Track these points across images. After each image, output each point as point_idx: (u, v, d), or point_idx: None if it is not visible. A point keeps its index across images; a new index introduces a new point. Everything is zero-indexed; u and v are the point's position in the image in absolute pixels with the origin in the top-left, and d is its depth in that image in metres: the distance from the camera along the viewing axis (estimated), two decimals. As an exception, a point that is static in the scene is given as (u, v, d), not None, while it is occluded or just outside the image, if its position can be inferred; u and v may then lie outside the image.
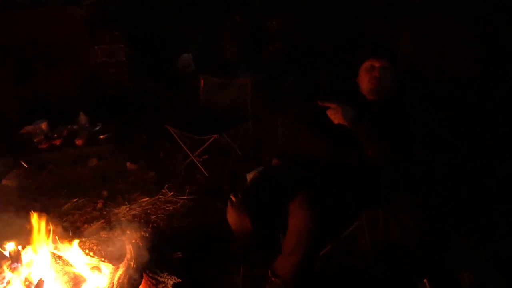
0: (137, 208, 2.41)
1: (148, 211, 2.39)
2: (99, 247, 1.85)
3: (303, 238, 1.60)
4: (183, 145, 2.71)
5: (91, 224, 2.24)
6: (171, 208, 2.40)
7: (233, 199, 1.72)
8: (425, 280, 1.66)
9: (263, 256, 1.92)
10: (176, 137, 2.69)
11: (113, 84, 3.97)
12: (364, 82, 1.79)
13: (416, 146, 1.70)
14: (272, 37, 5.17)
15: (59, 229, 1.87)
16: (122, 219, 2.32)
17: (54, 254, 1.67)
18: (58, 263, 1.65)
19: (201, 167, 2.71)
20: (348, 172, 1.75)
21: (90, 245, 1.86)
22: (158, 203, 2.45)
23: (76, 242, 1.78)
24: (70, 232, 1.99)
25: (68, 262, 1.67)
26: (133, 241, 1.97)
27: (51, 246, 1.76)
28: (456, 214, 2.29)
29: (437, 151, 2.86)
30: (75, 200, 2.50)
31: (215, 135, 2.58)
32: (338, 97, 1.86)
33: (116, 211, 2.40)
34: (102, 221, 2.28)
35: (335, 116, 1.68)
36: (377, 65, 1.75)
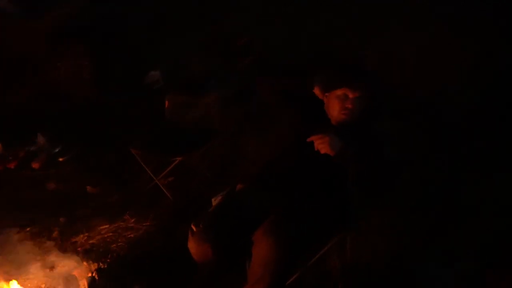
0: (96, 236, 2.28)
1: (108, 239, 2.26)
2: (48, 285, 1.72)
3: (268, 266, 1.53)
4: (146, 168, 2.60)
5: (45, 256, 2.08)
6: (132, 235, 2.28)
7: (194, 228, 1.63)
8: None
9: (229, 286, 1.83)
10: (139, 160, 2.58)
11: (76, 102, 3.81)
12: (335, 110, 1.73)
13: (394, 174, 1.68)
14: (243, 52, 5.14)
15: (5, 264, 1.72)
16: (79, 249, 2.18)
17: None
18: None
19: (165, 191, 2.60)
20: (319, 195, 1.70)
21: (38, 283, 1.72)
22: (119, 230, 2.32)
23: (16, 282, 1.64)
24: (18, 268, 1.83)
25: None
26: (89, 274, 1.85)
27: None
28: (425, 232, 2.27)
29: (406, 168, 2.86)
30: (28, 229, 2.34)
31: (180, 157, 2.49)
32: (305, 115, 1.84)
33: (73, 240, 2.26)
34: (56, 252, 2.13)
35: (322, 146, 1.62)
36: (351, 95, 1.70)
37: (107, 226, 2.35)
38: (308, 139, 1.65)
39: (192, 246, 1.62)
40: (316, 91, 1.84)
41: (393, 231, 2.24)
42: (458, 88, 3.85)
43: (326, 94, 1.79)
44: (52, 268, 1.84)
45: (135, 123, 3.45)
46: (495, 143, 3.20)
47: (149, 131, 2.83)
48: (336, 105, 1.72)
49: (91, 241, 2.24)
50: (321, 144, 1.63)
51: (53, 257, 2.08)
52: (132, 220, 2.40)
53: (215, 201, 1.92)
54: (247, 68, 4.99)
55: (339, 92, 1.71)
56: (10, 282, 1.60)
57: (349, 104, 1.69)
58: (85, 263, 1.96)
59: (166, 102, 2.81)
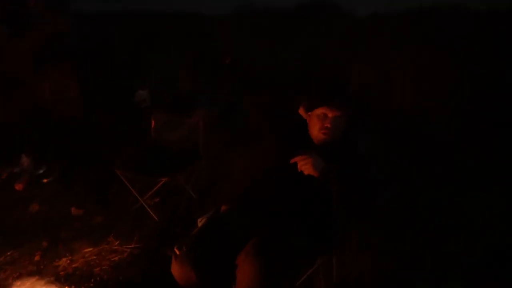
0: (80, 260, 2.22)
1: (91, 262, 2.21)
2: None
3: (253, 291, 1.50)
4: (132, 189, 2.57)
5: (25, 281, 2.03)
6: (116, 258, 2.23)
7: (177, 252, 1.61)
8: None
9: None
10: (125, 181, 2.55)
11: (61, 122, 3.78)
12: (315, 129, 1.75)
13: (379, 194, 1.69)
14: (231, 70, 5.18)
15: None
16: (62, 273, 2.12)
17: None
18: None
19: (151, 212, 2.57)
20: (300, 215, 1.70)
21: (18, 310, 1.67)
22: (103, 253, 2.28)
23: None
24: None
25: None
26: (71, 300, 1.80)
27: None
28: (411, 249, 2.28)
29: (391, 184, 2.88)
30: (9, 252, 2.28)
31: (166, 178, 2.47)
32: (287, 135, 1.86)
33: (55, 263, 2.20)
34: (37, 277, 2.08)
35: (306, 167, 1.62)
36: (330, 115, 1.72)
37: (90, 249, 2.31)
38: (292, 160, 1.66)
39: (175, 269, 1.59)
40: (301, 111, 1.86)
41: (380, 250, 2.23)
42: (441, 106, 3.93)
43: (309, 113, 1.81)
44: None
45: (121, 143, 3.43)
46: (482, 158, 3.26)
47: (134, 151, 2.82)
48: (316, 124, 1.75)
49: (74, 265, 2.18)
50: (304, 165, 1.63)
51: (34, 282, 2.03)
52: (117, 243, 2.36)
53: (200, 222, 1.90)
54: (232, 87, 5.03)
55: (318, 111, 1.74)
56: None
57: (328, 123, 1.71)
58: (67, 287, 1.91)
59: (153, 122, 2.80)
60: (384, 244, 2.30)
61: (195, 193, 2.76)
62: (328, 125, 1.71)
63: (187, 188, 2.69)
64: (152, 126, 2.81)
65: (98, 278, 2.09)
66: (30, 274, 2.11)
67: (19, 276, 2.09)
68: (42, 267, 2.18)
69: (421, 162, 3.30)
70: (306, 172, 1.64)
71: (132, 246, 2.33)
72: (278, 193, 1.74)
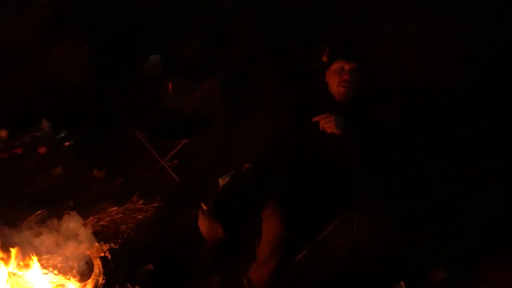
0: (106, 218, 2.32)
1: (117, 220, 2.30)
2: (63, 264, 1.76)
3: (277, 245, 1.57)
4: (152, 151, 2.62)
5: (56, 238, 2.12)
6: (141, 217, 2.32)
7: (204, 207, 1.67)
8: (402, 283, 1.66)
9: (238, 264, 1.88)
10: (145, 142, 2.60)
11: (76, 88, 3.80)
12: (333, 84, 1.78)
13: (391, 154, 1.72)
14: (239, 37, 5.11)
15: (21, 245, 1.76)
16: (90, 230, 2.22)
17: (13, 274, 1.57)
18: (19, 284, 1.55)
19: (172, 173, 2.64)
20: (322, 176, 1.74)
21: (54, 262, 1.77)
22: (127, 212, 2.37)
23: (37, 259, 1.68)
24: (32, 248, 1.87)
25: (30, 283, 1.57)
26: (101, 254, 1.89)
27: (10, 265, 1.65)
28: (424, 213, 2.33)
29: (402, 151, 2.89)
30: (38, 212, 2.38)
31: (185, 140, 2.51)
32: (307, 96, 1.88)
33: (83, 222, 2.29)
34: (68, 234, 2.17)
35: (328, 125, 1.64)
36: (346, 67, 1.74)
37: (116, 208, 2.39)
38: (313, 119, 1.68)
39: (203, 224, 1.67)
40: (325, 58, 1.87)
41: (393, 212, 2.28)
42: (452, 74, 3.87)
43: (327, 73, 1.83)
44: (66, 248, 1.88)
45: (136, 109, 3.47)
46: (491, 127, 3.23)
47: (152, 115, 2.86)
48: (334, 79, 1.77)
49: (101, 223, 2.28)
50: (327, 123, 1.66)
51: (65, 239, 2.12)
52: (140, 202, 2.44)
53: (222, 182, 1.96)
54: (244, 52, 4.98)
55: (335, 65, 1.77)
56: (31, 259, 1.64)
57: (346, 75, 1.73)
58: (96, 244, 2.00)
59: (170, 85, 2.82)
60: (397, 207, 2.35)
61: (212, 154, 2.82)
62: (347, 77, 1.73)
63: (205, 150, 2.74)
64: (169, 89, 2.83)
65: (125, 235, 2.19)
66: (61, 232, 2.20)
67: (51, 233, 2.18)
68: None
69: (430, 129, 3.28)
70: (328, 131, 1.66)
71: (156, 205, 2.41)
72: (298, 153, 1.78)
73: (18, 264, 1.65)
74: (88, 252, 1.87)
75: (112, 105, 3.64)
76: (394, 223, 2.24)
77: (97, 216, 2.34)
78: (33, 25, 3.79)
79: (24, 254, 1.70)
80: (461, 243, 2.13)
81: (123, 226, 2.25)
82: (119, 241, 2.12)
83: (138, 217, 2.32)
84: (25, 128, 3.11)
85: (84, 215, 2.33)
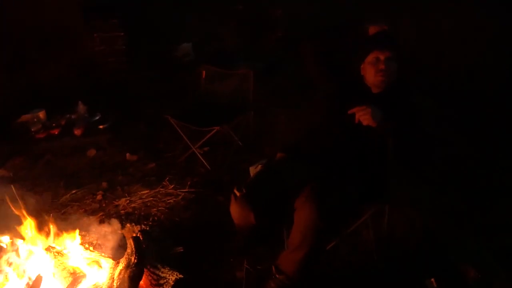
0: (137, 201, 2.37)
1: (148, 203, 2.34)
2: (99, 241, 1.82)
3: (309, 233, 1.56)
4: (184, 137, 2.65)
5: (91, 217, 2.19)
6: (172, 201, 2.35)
7: (237, 193, 1.68)
8: (432, 280, 1.63)
9: (267, 251, 1.89)
10: (177, 128, 2.64)
11: (111, 73, 3.89)
12: (371, 75, 1.76)
13: (431, 147, 1.68)
14: (273, 26, 5.08)
15: (58, 222, 1.82)
16: (122, 211, 2.28)
17: (52, 248, 1.63)
18: (57, 257, 1.61)
19: (203, 159, 2.66)
20: (355, 166, 1.72)
21: (90, 239, 1.82)
22: (158, 195, 2.41)
23: (75, 235, 1.74)
24: (69, 225, 1.93)
25: (67, 256, 1.62)
26: (134, 234, 1.93)
27: (49, 239, 1.71)
28: (461, 208, 2.26)
29: (440, 143, 2.82)
30: (73, 191, 2.46)
31: (217, 127, 2.53)
32: (344, 88, 1.85)
33: (115, 203, 2.36)
34: (101, 213, 2.24)
35: (365, 117, 1.62)
36: (382, 57, 1.72)
37: (147, 191, 2.44)
38: (350, 111, 1.66)
39: (235, 210, 1.67)
40: (372, 29, 1.84)
41: (430, 206, 2.23)
42: (489, 66, 3.72)
43: (362, 66, 1.80)
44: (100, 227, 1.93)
45: (168, 95, 3.52)
46: None
47: (185, 102, 2.88)
48: (371, 70, 1.75)
49: (132, 205, 2.33)
50: (363, 116, 1.63)
51: (99, 218, 2.19)
52: (171, 186, 2.48)
53: (254, 170, 1.96)
54: (278, 41, 4.94)
55: (370, 57, 1.75)
56: (71, 235, 1.70)
57: (382, 65, 1.71)
58: (128, 224, 2.05)
59: (203, 73, 2.83)
60: (433, 201, 2.29)
61: (243, 143, 2.82)
62: (383, 67, 1.71)
63: (236, 139, 2.74)
64: (203, 77, 2.84)
65: (155, 218, 2.23)
66: (95, 211, 2.27)
67: (85, 213, 2.25)
68: (104, 205, 2.34)
69: (468, 122, 3.18)
70: (364, 123, 1.63)
71: (186, 190, 2.44)
72: (334, 144, 1.76)
73: (57, 239, 1.70)
74: (120, 232, 1.91)
75: (147, 90, 3.71)
76: (430, 216, 2.19)
77: (129, 198, 2.39)
78: (73, 8, 3.87)
79: (62, 230, 1.75)
80: (497, 242, 2.06)
81: (153, 209, 2.29)
82: (150, 223, 2.16)
83: (169, 201, 2.36)
84: (63, 110, 3.21)
85: (116, 197, 2.41)
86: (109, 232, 1.92)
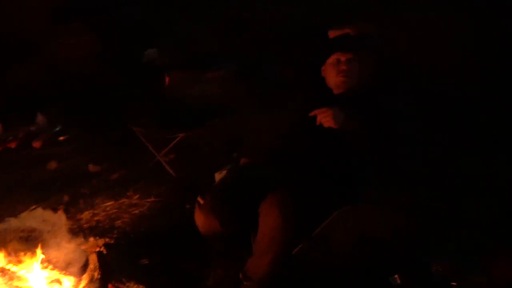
0: (101, 213, 2.30)
1: (113, 215, 2.28)
2: (60, 258, 1.74)
3: (275, 238, 1.56)
4: (148, 145, 2.60)
5: (51, 233, 2.10)
6: (137, 211, 2.30)
7: (201, 201, 1.65)
8: (396, 276, 1.65)
9: (235, 258, 1.87)
10: (141, 137, 2.58)
11: (76, 80, 3.76)
12: (332, 76, 1.77)
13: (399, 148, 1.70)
14: (248, 27, 5.05)
15: (14, 240, 1.74)
16: (85, 225, 2.20)
17: (7, 270, 1.55)
18: (13, 280, 1.53)
19: (168, 168, 2.62)
20: (322, 169, 1.72)
21: (49, 257, 1.74)
22: (123, 207, 2.35)
23: (34, 254, 1.66)
24: (28, 243, 1.85)
25: (24, 278, 1.55)
26: (97, 249, 1.87)
27: (5, 260, 1.62)
28: (433, 206, 2.31)
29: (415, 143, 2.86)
30: (33, 206, 2.35)
31: (182, 134, 2.49)
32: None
33: (78, 217, 2.28)
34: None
35: (326, 119, 1.62)
36: (343, 58, 1.73)
37: (111, 203, 2.37)
38: (311, 113, 1.66)
39: (199, 218, 1.64)
40: (332, 33, 1.84)
41: (402, 205, 2.26)
42: (463, 63, 3.82)
43: (323, 68, 1.82)
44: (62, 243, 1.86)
45: (136, 101, 3.43)
46: (502, 120, 3.19)
47: (150, 108, 2.83)
48: (332, 71, 1.76)
49: (96, 218, 2.26)
50: (324, 118, 1.64)
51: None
52: (136, 197, 2.42)
53: (219, 176, 1.94)
54: (251, 41, 4.90)
55: (331, 59, 1.76)
56: (28, 254, 1.62)
57: (343, 65, 1.72)
58: (91, 238, 1.98)
59: (167, 79, 2.79)
60: (403, 199, 2.33)
61: (210, 148, 2.80)
62: (344, 67, 1.72)
63: (204, 144, 2.71)
64: (167, 83, 2.80)
65: (120, 230, 2.17)
66: (55, 226, 2.18)
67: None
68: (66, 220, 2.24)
69: (442, 121, 3.25)
70: (325, 125, 1.64)
71: (152, 199, 2.39)
72: (298, 147, 1.76)
73: (13, 260, 1.62)
74: (83, 247, 1.84)
75: (112, 97, 3.61)
76: (399, 215, 2.22)
77: (92, 211, 2.32)
78: (37, 11, 3.71)
79: (18, 249, 1.67)
80: (465, 237, 2.12)
81: (118, 221, 2.23)
82: (115, 236, 2.10)
83: (134, 212, 2.30)
84: (21, 122, 3.08)
85: (79, 210, 2.33)
86: (71, 248, 1.84)
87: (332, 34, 1.81)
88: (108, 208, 2.34)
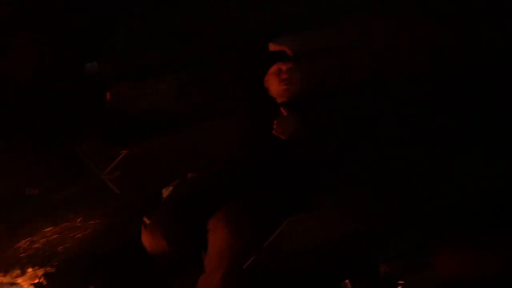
0: (41, 240, 2.15)
1: (54, 241, 2.14)
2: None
3: (224, 254, 1.55)
4: (90, 163, 2.48)
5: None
6: (80, 235, 2.18)
7: (147, 221, 1.60)
8: (347, 281, 1.69)
9: (186, 277, 1.82)
10: (82, 155, 2.46)
11: (14, 95, 3.51)
12: (274, 85, 1.80)
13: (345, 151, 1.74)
14: (196, 37, 4.99)
15: None
16: (23, 255, 2.05)
17: None
18: None
19: (113, 186, 2.51)
20: (271, 178, 1.73)
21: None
22: (65, 231, 2.21)
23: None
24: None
25: None
26: (36, 280, 1.75)
27: None
28: (379, 206, 2.37)
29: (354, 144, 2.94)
30: (-38, 239, 2.16)
31: (127, 150, 2.40)
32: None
33: (15, 246, 2.11)
34: (-3, 261, 1.99)
35: (281, 130, 1.63)
36: (284, 68, 1.76)
37: (51, 228, 2.23)
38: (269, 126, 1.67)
39: (146, 239, 1.61)
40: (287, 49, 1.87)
41: (346, 209, 2.30)
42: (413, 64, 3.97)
43: (265, 78, 1.85)
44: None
45: (77, 117, 3.27)
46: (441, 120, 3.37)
47: (91, 124, 2.70)
48: (274, 80, 1.80)
49: (35, 246, 2.11)
50: (279, 128, 1.66)
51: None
52: (79, 219, 2.29)
53: (166, 192, 1.89)
54: (195, 54, 4.86)
55: (272, 69, 1.82)
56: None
57: (284, 74, 1.75)
58: (30, 269, 1.85)
59: (108, 94, 2.68)
60: (349, 203, 2.37)
61: (156, 164, 2.72)
62: (285, 76, 1.75)
63: (149, 159, 2.63)
64: (108, 98, 2.69)
65: (62, 257, 2.04)
66: (-11, 259, 2.02)
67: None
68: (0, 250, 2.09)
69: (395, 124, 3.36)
70: (283, 137, 1.66)
71: (96, 222, 2.28)
72: (246, 156, 1.77)
73: None
74: (19, 280, 1.72)
75: (52, 113, 3.41)
76: (347, 217, 2.26)
77: (30, 238, 2.16)
78: None
79: None
80: (410, 235, 2.19)
81: (60, 247, 2.10)
82: (56, 264, 1.97)
83: (77, 236, 2.18)
84: None
85: (15, 238, 2.17)
86: (6, 282, 1.71)
87: (272, 48, 1.85)
88: (48, 234, 2.20)
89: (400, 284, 1.83)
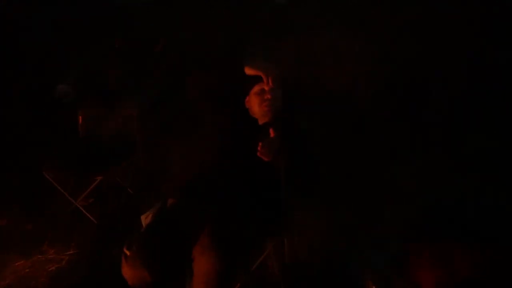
0: (10, 275, 2.02)
1: (25, 276, 2.02)
2: None
3: (210, 282, 1.49)
4: (62, 191, 2.37)
5: None
6: (53, 268, 2.06)
7: (127, 252, 1.52)
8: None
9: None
10: (53, 182, 2.35)
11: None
12: (256, 105, 1.80)
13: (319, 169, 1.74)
14: (158, 58, 4.95)
15: None
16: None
17: None
18: None
19: (88, 214, 2.41)
20: (250, 202, 1.70)
21: None
22: (37, 264, 2.09)
23: None
24: None
25: None
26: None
27: None
28: (355, 221, 2.38)
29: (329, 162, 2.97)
30: None
31: (101, 176, 2.32)
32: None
33: (-18, 283, 1.98)
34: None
35: (265, 151, 1.60)
36: (266, 87, 1.76)
37: (22, 261, 2.11)
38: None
39: (127, 271, 1.51)
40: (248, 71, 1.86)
41: (326, 226, 2.30)
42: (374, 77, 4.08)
43: (247, 99, 1.84)
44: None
45: (45, 143, 3.14)
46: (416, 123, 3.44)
47: (62, 150, 2.60)
48: (256, 100, 1.79)
49: (5, 282, 1.98)
50: (263, 149, 1.63)
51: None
52: (52, 251, 2.18)
53: (145, 219, 1.81)
54: (164, 74, 4.82)
55: (256, 88, 1.80)
56: None
57: (268, 94, 1.76)
58: (-1, 309, 1.73)
59: (80, 118, 2.60)
60: (328, 220, 2.37)
61: (133, 189, 2.64)
62: (268, 96, 1.75)
63: (124, 185, 2.55)
64: (80, 122, 2.60)
65: (35, 293, 1.92)
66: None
67: None
68: (-34, 289, 1.94)
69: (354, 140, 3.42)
70: (267, 159, 1.63)
71: (70, 252, 2.17)
72: (224, 179, 1.73)
73: None
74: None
75: (19, 137, 3.26)
76: (328, 236, 2.26)
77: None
78: None
79: None
80: (388, 247, 2.21)
81: (32, 283, 1.97)
82: (28, 300, 1.85)
83: (50, 269, 2.06)
84: None
85: (-18, 274, 2.03)
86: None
87: (248, 71, 1.85)
88: (19, 268, 2.07)
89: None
